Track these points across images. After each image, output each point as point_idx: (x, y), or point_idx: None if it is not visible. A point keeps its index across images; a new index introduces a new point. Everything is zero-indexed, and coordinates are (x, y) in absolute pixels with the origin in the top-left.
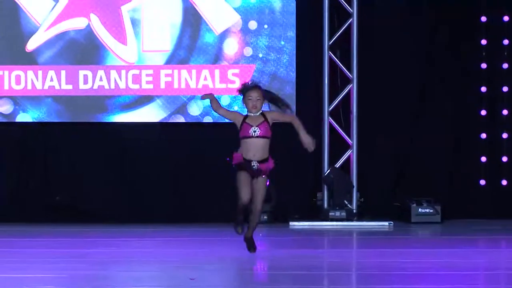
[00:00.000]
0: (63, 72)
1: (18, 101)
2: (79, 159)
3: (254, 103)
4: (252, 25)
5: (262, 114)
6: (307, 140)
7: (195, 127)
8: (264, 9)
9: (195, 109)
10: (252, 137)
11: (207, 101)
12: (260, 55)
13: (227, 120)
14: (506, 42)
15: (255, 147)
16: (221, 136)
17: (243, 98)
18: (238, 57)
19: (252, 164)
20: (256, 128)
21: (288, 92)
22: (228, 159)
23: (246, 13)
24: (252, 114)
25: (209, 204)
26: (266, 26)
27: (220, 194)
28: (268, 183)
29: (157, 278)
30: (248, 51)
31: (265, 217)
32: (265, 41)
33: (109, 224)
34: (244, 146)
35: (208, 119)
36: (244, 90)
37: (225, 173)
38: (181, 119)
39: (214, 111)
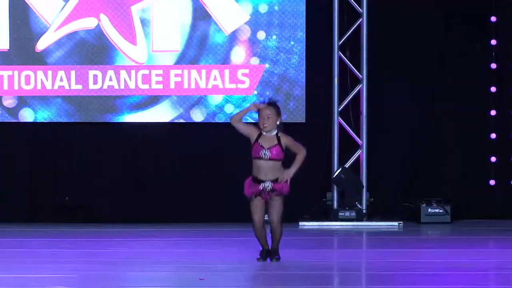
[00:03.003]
0: (72, 72)
1: (28, 101)
2: (89, 159)
3: (264, 121)
4: (262, 27)
5: (277, 136)
6: (288, 173)
7: (206, 127)
8: (273, 11)
9: (204, 110)
10: (262, 159)
11: (216, 101)
12: (270, 56)
13: None
14: None
15: (265, 168)
16: (232, 136)
17: (258, 116)
18: (247, 59)
19: (266, 185)
20: (267, 151)
21: (298, 92)
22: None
23: (256, 16)
24: (265, 134)
25: (221, 203)
26: (276, 26)
27: (232, 194)
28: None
29: (168, 278)
30: (257, 52)
31: None
32: (275, 42)
33: (119, 224)
34: (255, 166)
35: (219, 119)
36: (259, 107)
37: (237, 173)
38: (192, 118)
39: (234, 122)
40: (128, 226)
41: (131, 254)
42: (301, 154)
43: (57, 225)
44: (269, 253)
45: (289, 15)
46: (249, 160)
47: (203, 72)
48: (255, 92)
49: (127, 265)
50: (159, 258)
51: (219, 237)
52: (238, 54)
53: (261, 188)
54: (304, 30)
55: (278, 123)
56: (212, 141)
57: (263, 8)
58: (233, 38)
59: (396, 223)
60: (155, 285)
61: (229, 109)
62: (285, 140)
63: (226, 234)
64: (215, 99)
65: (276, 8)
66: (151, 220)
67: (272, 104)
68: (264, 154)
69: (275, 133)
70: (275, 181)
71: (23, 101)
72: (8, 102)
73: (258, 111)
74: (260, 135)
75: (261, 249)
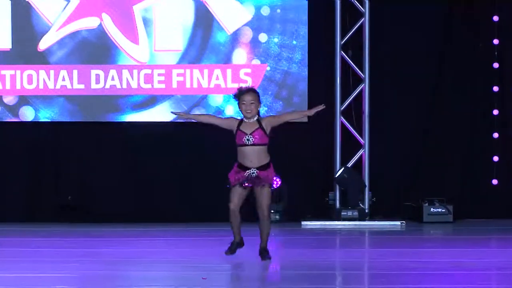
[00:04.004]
0: (75, 72)
1: (30, 100)
2: (91, 158)
3: (247, 107)
4: (264, 29)
5: (258, 120)
6: (313, 111)
7: (208, 126)
8: (275, 9)
9: (204, 111)
10: (247, 145)
11: (217, 102)
12: (272, 55)
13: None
14: None
15: (251, 154)
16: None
17: (238, 103)
18: (250, 60)
19: (252, 171)
20: (249, 136)
21: (300, 92)
22: (228, 186)
23: (258, 18)
24: (247, 120)
25: (221, 203)
26: (278, 26)
27: None
28: (279, 184)
29: (169, 278)
30: (259, 53)
31: (277, 216)
32: (277, 42)
33: (121, 223)
34: (240, 154)
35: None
36: (239, 94)
37: None
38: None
39: (205, 122)
40: (129, 226)
41: (132, 254)
42: (292, 113)
43: (58, 225)
44: (260, 252)
45: (291, 15)
46: (234, 148)
47: (206, 71)
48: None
49: (128, 265)
50: (160, 258)
51: (221, 237)
52: (240, 55)
53: (246, 175)
54: (306, 29)
55: (259, 109)
56: (215, 141)
57: (265, 10)
58: (235, 38)
59: (398, 223)
60: (157, 284)
61: (230, 110)
62: (266, 121)
63: (229, 233)
64: (216, 100)
65: (278, 10)
66: (152, 220)
67: (253, 90)
68: (247, 139)
69: (255, 118)
70: (260, 168)
71: (23, 98)
72: (9, 99)
73: (239, 98)
74: (240, 123)
75: (232, 240)
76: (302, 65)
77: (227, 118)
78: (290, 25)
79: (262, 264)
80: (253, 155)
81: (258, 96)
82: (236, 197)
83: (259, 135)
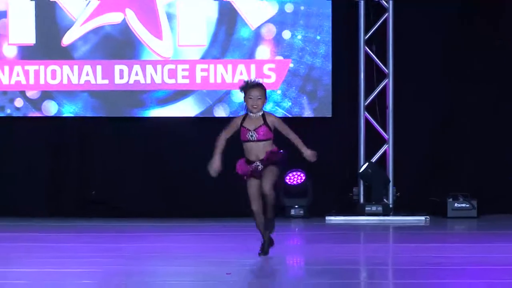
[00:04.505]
0: (99, 67)
1: (54, 95)
2: (115, 153)
3: (254, 102)
4: (287, 26)
5: (263, 115)
6: (308, 153)
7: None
8: (299, 6)
9: (227, 107)
10: (250, 141)
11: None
12: (296, 51)
13: None
14: None
15: (256, 149)
16: None
17: (244, 96)
18: (273, 56)
19: (257, 164)
20: (253, 132)
21: (324, 87)
22: (235, 172)
23: (282, 14)
24: (252, 114)
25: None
26: (302, 22)
27: None
28: (303, 179)
29: (193, 273)
30: (283, 49)
31: (302, 212)
32: (300, 38)
33: (145, 218)
34: (245, 149)
35: None
36: (245, 87)
37: None
38: (219, 113)
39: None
40: (153, 221)
41: (156, 249)
42: (293, 134)
43: (82, 220)
44: (264, 244)
45: (315, 11)
46: (239, 144)
47: (229, 66)
48: (279, 92)
49: (152, 260)
50: (184, 253)
51: (246, 232)
52: (264, 51)
53: (252, 169)
54: (330, 24)
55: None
56: (237, 136)
57: (288, 7)
58: (259, 34)
59: (422, 218)
60: (180, 279)
61: None
62: (272, 118)
63: (252, 228)
64: (239, 97)
65: (302, 7)
66: (177, 215)
67: (261, 85)
68: (251, 135)
69: (260, 114)
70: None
71: (46, 92)
72: (32, 93)
73: (246, 92)
74: (244, 118)
75: (262, 240)
76: (326, 60)
77: (231, 123)
78: (314, 20)
79: (285, 259)
80: (258, 150)
81: (265, 91)
82: (254, 198)
83: (264, 131)
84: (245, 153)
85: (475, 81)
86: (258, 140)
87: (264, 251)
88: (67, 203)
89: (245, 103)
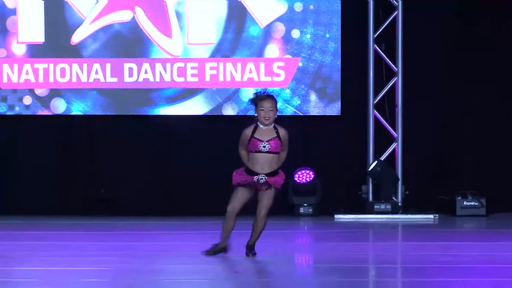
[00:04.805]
0: (108, 65)
1: (63, 93)
2: (124, 152)
3: (266, 114)
4: (297, 25)
5: (275, 128)
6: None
7: (241, 120)
8: (308, 5)
9: (241, 102)
10: (261, 152)
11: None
12: (305, 49)
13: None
14: None
15: (263, 161)
16: None
17: (255, 108)
18: (282, 54)
19: (260, 177)
20: (266, 143)
21: (333, 85)
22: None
23: (291, 13)
24: (263, 127)
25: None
26: (311, 21)
27: None
28: (312, 178)
29: (201, 271)
30: (292, 47)
31: (311, 210)
32: (309, 36)
33: (154, 217)
34: (252, 159)
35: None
36: (257, 100)
37: None
38: (227, 111)
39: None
40: (162, 219)
41: (165, 247)
42: (284, 154)
43: (90, 218)
44: (247, 247)
45: (324, 9)
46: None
47: (239, 65)
48: (288, 91)
49: (161, 258)
50: (192, 251)
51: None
52: (273, 50)
53: (255, 180)
54: (339, 22)
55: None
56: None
57: (298, 6)
58: (268, 32)
59: (431, 216)
60: (188, 277)
61: None
62: (284, 133)
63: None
64: (247, 96)
65: (311, 7)
66: (185, 213)
67: (272, 97)
68: (264, 146)
69: (272, 126)
70: (269, 174)
71: (55, 90)
72: (40, 91)
73: (257, 104)
74: (255, 129)
75: (217, 242)
76: (336, 58)
77: (243, 136)
78: (323, 18)
79: (294, 257)
80: (265, 162)
81: (276, 102)
82: (237, 201)
83: (276, 144)
84: (249, 163)
85: (482, 80)
86: (269, 152)
87: (213, 251)
88: (75, 201)
89: (256, 114)
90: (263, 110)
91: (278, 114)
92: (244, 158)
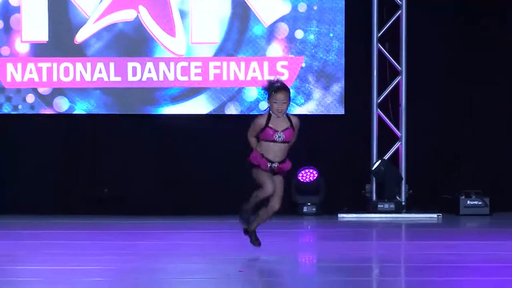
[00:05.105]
0: (111, 64)
1: (66, 92)
2: (127, 151)
3: (279, 106)
4: (300, 25)
5: (288, 117)
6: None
7: (245, 119)
8: (312, 6)
9: (244, 101)
10: (275, 141)
11: (252, 97)
12: (309, 48)
13: None
14: None
15: (276, 150)
16: None
17: (268, 98)
18: (286, 54)
19: (274, 164)
20: (281, 133)
21: (337, 85)
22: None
23: (295, 12)
24: (276, 117)
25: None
26: (315, 21)
27: None
28: (316, 177)
29: (205, 270)
30: (296, 47)
31: (314, 209)
32: (313, 35)
33: (157, 216)
34: (264, 147)
35: (260, 110)
36: (271, 89)
37: None
38: (230, 111)
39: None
40: (166, 218)
41: (169, 247)
42: (293, 139)
43: (94, 217)
44: (251, 234)
45: (328, 8)
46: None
47: (242, 64)
48: (292, 90)
49: (165, 257)
50: (195, 250)
51: (260, 229)
52: (276, 50)
53: (269, 167)
54: (343, 22)
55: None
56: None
57: (302, 6)
58: (271, 32)
59: (435, 215)
60: (192, 277)
61: (264, 105)
62: (295, 121)
63: (268, 226)
64: (251, 95)
65: (315, 7)
66: (189, 212)
67: (286, 88)
68: (279, 136)
69: (285, 115)
70: (281, 162)
71: (58, 88)
72: (43, 89)
73: (271, 95)
74: (269, 119)
75: (248, 232)
76: (339, 56)
77: (255, 124)
78: (327, 17)
79: (298, 256)
80: (279, 151)
81: (289, 93)
82: (270, 180)
83: (290, 133)
84: (263, 151)
85: (489, 78)
86: (283, 142)
87: (257, 241)
88: (79, 200)
89: (268, 105)
90: (276, 102)
91: None
92: (254, 145)
